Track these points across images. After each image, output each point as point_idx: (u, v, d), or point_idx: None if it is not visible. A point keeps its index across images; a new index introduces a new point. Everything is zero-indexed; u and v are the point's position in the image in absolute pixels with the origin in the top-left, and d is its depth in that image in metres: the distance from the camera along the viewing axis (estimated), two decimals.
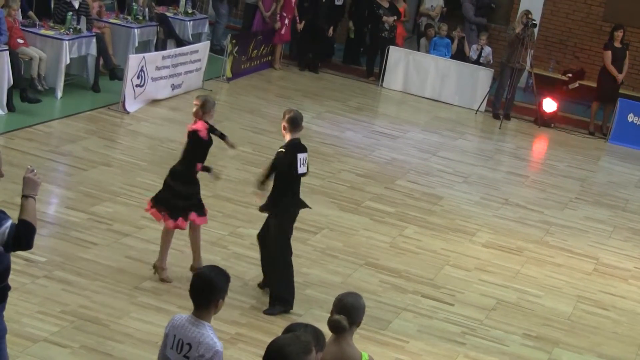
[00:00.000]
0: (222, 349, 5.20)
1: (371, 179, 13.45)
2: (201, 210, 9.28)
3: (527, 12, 18.36)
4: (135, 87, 14.58)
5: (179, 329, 5.33)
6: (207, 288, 5.29)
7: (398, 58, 19.56)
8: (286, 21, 19.15)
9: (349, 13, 20.78)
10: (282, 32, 19.16)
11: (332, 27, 19.85)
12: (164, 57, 15.48)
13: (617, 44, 18.60)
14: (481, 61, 19.86)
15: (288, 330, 4.99)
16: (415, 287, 10.04)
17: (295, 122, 8.80)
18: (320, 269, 10.08)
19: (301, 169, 8.88)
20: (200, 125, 9.09)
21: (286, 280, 8.99)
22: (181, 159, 9.26)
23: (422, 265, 10.67)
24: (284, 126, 8.83)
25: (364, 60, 20.82)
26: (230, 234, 10.52)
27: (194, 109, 9.18)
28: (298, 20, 19.46)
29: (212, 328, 5.30)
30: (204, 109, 9.14)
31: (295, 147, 8.82)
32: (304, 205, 9.24)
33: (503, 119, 18.38)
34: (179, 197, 9.13)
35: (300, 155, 8.83)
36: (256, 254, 10.05)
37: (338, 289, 9.25)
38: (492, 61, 19.91)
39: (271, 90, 18.02)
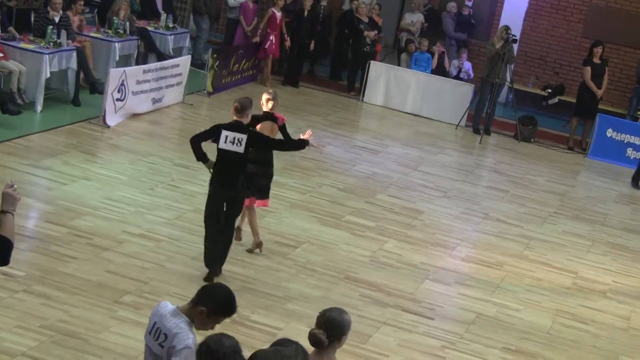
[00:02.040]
0: (194, 347, 5.16)
1: (352, 194, 13.47)
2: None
3: (507, 28, 18.48)
4: (115, 101, 14.56)
5: (159, 316, 5.38)
6: (205, 289, 5.43)
7: (379, 73, 19.64)
8: (272, 37, 19.16)
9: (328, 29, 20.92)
10: (266, 47, 19.17)
11: (313, 42, 19.91)
12: (144, 71, 15.48)
13: (597, 60, 18.74)
14: (461, 76, 19.97)
15: (275, 344, 4.99)
16: (395, 301, 10.06)
17: (237, 110, 9.51)
18: (301, 283, 10.08)
19: (222, 145, 9.40)
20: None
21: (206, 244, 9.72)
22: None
23: (402, 279, 10.69)
24: (232, 112, 9.60)
25: (345, 75, 20.90)
26: None
27: (273, 103, 10.37)
28: (286, 37, 19.49)
29: (190, 324, 5.32)
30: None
31: (228, 125, 9.50)
32: (223, 188, 9.53)
33: (483, 133, 18.48)
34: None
35: (225, 132, 9.40)
36: (238, 269, 10.08)
37: (318, 303, 9.28)
38: (472, 76, 20.02)
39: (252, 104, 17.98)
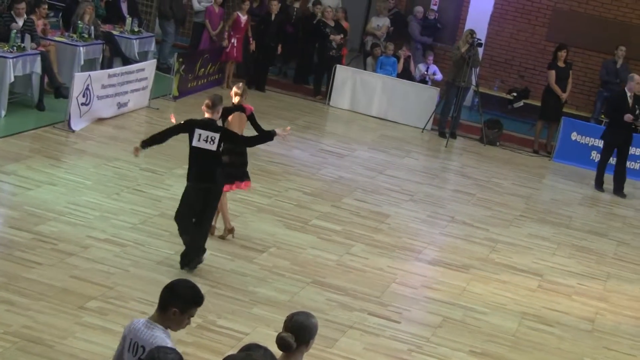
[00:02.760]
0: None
1: (318, 197, 13.48)
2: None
3: (472, 32, 18.57)
4: (80, 106, 14.48)
5: (134, 332, 5.41)
6: (167, 291, 5.42)
7: (345, 77, 19.67)
8: (234, 41, 19.13)
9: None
10: (228, 50, 19.15)
11: (280, 45, 19.91)
12: (109, 76, 15.40)
13: (561, 64, 18.87)
14: (427, 80, 20.03)
15: (244, 349, 4.99)
16: (362, 305, 10.07)
17: (209, 106, 10.01)
18: (267, 288, 10.07)
19: (195, 143, 9.87)
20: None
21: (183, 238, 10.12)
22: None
23: (369, 283, 10.70)
24: (203, 108, 10.05)
25: (312, 78, 20.91)
26: (176, 253, 10.45)
27: (240, 99, 10.96)
28: (250, 41, 19.47)
29: (165, 331, 5.33)
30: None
31: (200, 123, 9.93)
32: (200, 181, 9.98)
33: (449, 137, 18.55)
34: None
35: (199, 131, 9.86)
36: (204, 273, 10.05)
37: (285, 308, 9.28)
38: (441, 78, 20.08)
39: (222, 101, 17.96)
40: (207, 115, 10.01)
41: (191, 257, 10.08)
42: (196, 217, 10.05)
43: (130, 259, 10.07)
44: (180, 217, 10.03)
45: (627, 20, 21.39)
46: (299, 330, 5.32)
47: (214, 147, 9.86)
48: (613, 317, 11.00)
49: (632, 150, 17.46)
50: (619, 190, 16.73)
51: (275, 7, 19.72)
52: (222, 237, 11.07)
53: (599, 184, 16.85)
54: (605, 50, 21.14)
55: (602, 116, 19.89)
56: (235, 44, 19.12)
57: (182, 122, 10.10)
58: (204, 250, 10.15)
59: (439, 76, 20.14)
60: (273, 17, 19.67)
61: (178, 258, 10.26)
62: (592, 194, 16.60)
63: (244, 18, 19.21)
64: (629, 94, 16.55)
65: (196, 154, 9.92)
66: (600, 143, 18.23)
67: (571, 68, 19.24)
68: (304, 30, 20.92)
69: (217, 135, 9.87)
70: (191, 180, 10.03)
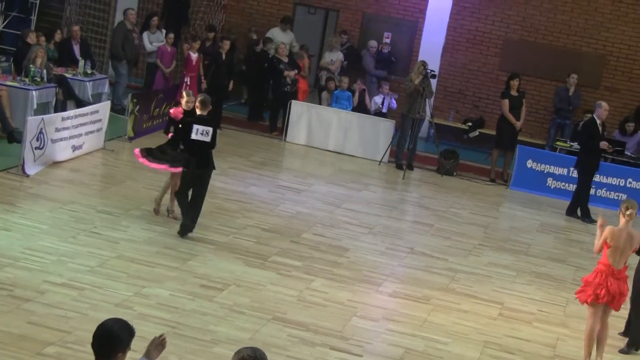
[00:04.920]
0: None
1: (277, 233, 13.44)
2: None
3: (424, 63, 18.71)
4: (34, 150, 14.37)
5: None
6: (108, 340, 5.30)
7: (300, 112, 19.72)
8: (187, 79, 19.12)
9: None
10: (183, 90, 19.08)
11: (232, 82, 19.94)
12: (63, 119, 15.31)
13: (514, 93, 19.06)
14: (384, 111, 20.12)
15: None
16: (323, 339, 10.02)
17: (203, 104, 12.32)
18: (228, 326, 9.99)
19: (194, 136, 12.14)
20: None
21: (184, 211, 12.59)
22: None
23: (330, 317, 10.66)
24: (197, 105, 12.42)
25: (267, 115, 20.94)
26: (135, 294, 10.37)
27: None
28: (203, 79, 19.49)
29: None
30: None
31: (197, 120, 12.28)
32: (200, 167, 12.32)
33: (406, 169, 18.63)
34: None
35: (196, 126, 12.16)
36: (163, 314, 9.96)
37: (246, 345, 9.18)
38: (395, 107, 20.18)
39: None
40: (199, 112, 12.33)
41: (190, 228, 12.45)
42: (192, 196, 12.46)
43: (88, 302, 9.96)
44: (179, 198, 12.53)
45: (577, 48, 21.68)
46: None
47: (208, 139, 12.23)
48: (574, 342, 11.03)
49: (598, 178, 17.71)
50: (573, 212, 16.94)
51: (226, 45, 19.77)
52: (155, 211, 13.22)
53: (587, 215, 16.91)
54: (557, 78, 21.42)
55: (557, 143, 20.09)
56: (188, 83, 19.10)
57: (180, 125, 12.63)
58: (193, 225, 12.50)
59: (394, 104, 20.24)
60: (224, 56, 19.70)
61: (137, 299, 10.18)
62: (550, 221, 16.72)
63: (194, 56, 19.22)
64: (598, 122, 16.71)
65: (195, 145, 12.19)
66: (555, 170, 18.44)
67: (524, 96, 19.44)
68: (257, 67, 20.98)
69: (211, 129, 12.24)
70: (191, 167, 12.27)
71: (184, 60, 19.26)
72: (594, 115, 16.90)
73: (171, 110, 13.53)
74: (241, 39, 22.83)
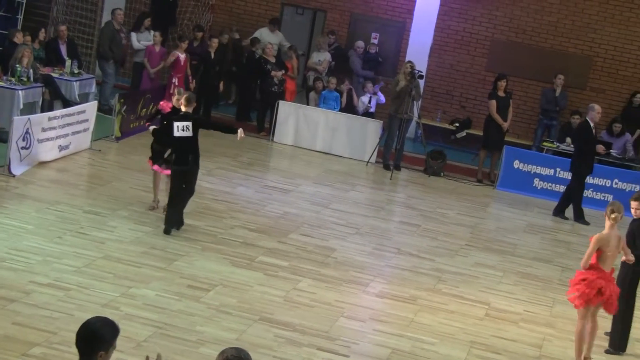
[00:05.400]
0: None
1: (264, 234, 13.43)
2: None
3: (411, 64, 18.72)
4: (20, 150, 14.33)
5: None
6: (91, 338, 5.27)
7: (288, 112, 19.72)
8: (174, 80, 19.08)
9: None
10: (171, 91, 19.05)
11: (222, 82, 19.92)
12: (50, 119, 15.27)
13: (501, 93, 19.10)
14: (372, 111, 20.13)
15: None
16: (310, 340, 10.02)
17: (188, 101, 12.56)
18: (215, 327, 9.98)
19: (176, 133, 12.34)
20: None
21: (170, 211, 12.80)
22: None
23: (317, 317, 10.66)
24: (181, 102, 12.63)
25: (254, 115, 20.92)
26: (121, 295, 10.35)
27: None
28: (191, 79, 19.46)
29: None
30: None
31: (177, 117, 12.47)
32: (183, 164, 12.50)
33: (393, 169, 18.64)
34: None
35: (177, 123, 12.34)
36: (150, 314, 9.94)
37: (233, 346, 9.17)
38: (383, 100, 20.17)
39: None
40: (184, 109, 12.55)
41: (173, 223, 12.62)
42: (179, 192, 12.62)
43: (74, 303, 9.93)
44: (172, 193, 12.67)
45: (563, 50, 21.74)
46: None
47: (190, 134, 12.39)
48: (560, 343, 11.06)
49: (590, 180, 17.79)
50: (560, 212, 17.00)
51: (214, 44, 19.75)
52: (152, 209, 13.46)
53: (580, 217, 16.95)
54: (544, 79, 21.47)
55: (544, 144, 20.14)
56: (176, 84, 19.06)
57: (164, 122, 12.95)
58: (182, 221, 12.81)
59: (382, 99, 20.24)
60: (213, 55, 19.67)
61: (124, 300, 10.17)
62: (536, 221, 16.75)
63: (182, 57, 19.18)
64: (591, 124, 16.75)
65: (178, 142, 12.43)
66: (542, 170, 18.49)
67: (511, 97, 19.49)
68: (245, 67, 20.98)
69: (190, 124, 12.38)
70: (175, 165, 12.55)
71: (172, 61, 19.19)
72: (587, 118, 16.90)
73: (161, 102, 13.85)
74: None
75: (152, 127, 13.53)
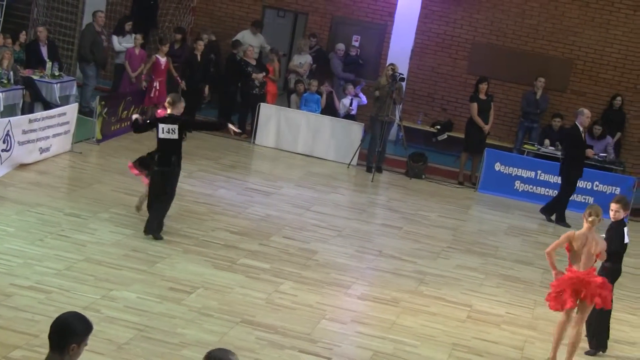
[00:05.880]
0: None
1: (246, 236, 13.41)
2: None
3: (392, 66, 18.75)
4: (1, 152, 14.26)
5: None
6: (62, 331, 5.28)
7: (269, 115, 19.71)
8: (156, 84, 19.01)
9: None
10: (152, 95, 19.02)
11: (207, 87, 19.90)
12: (30, 121, 15.20)
13: (482, 96, 19.16)
14: (353, 113, 20.14)
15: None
16: (292, 342, 10.00)
17: (170, 103, 12.54)
18: (196, 329, 9.96)
19: (161, 135, 12.38)
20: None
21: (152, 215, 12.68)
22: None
23: (299, 320, 10.65)
24: (166, 104, 12.68)
25: (236, 118, 20.88)
26: (102, 297, 10.31)
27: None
28: (179, 81, 19.41)
29: None
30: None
31: (163, 119, 12.50)
32: (165, 165, 12.48)
33: (375, 171, 18.65)
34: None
35: (162, 125, 12.39)
36: (131, 317, 9.91)
37: (218, 347, 9.14)
38: (365, 102, 20.18)
39: (142, 151, 17.63)
40: (169, 111, 12.49)
41: (153, 226, 12.48)
42: (160, 198, 12.56)
43: (55, 305, 9.88)
44: (150, 196, 12.64)
45: (544, 52, 21.81)
46: None
47: (176, 136, 12.41)
48: (541, 345, 11.08)
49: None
50: (548, 212, 17.09)
51: (200, 46, 19.72)
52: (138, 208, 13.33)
53: (562, 219, 17.00)
54: (525, 82, 21.54)
55: (524, 146, 20.21)
56: (158, 87, 19.00)
57: (148, 120, 12.95)
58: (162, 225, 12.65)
59: (363, 100, 20.27)
60: (199, 58, 19.64)
61: (104, 302, 10.13)
62: (518, 224, 16.80)
63: (163, 60, 19.12)
64: (581, 129, 16.79)
65: (163, 144, 12.42)
66: (523, 172, 18.54)
67: (492, 100, 19.54)
68: (226, 70, 20.95)
69: (176, 126, 12.40)
70: (158, 166, 12.49)
71: (152, 65, 19.14)
72: (576, 123, 16.92)
73: (158, 111, 13.80)
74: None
75: (135, 116, 13.24)
